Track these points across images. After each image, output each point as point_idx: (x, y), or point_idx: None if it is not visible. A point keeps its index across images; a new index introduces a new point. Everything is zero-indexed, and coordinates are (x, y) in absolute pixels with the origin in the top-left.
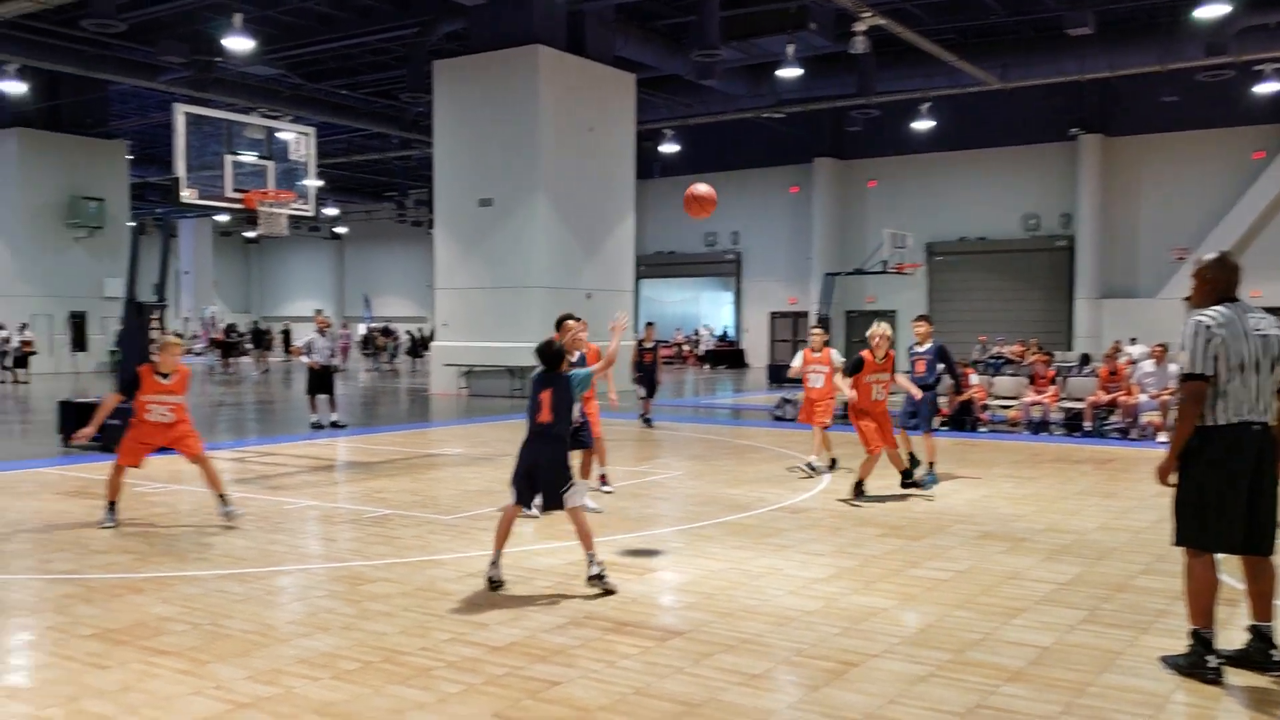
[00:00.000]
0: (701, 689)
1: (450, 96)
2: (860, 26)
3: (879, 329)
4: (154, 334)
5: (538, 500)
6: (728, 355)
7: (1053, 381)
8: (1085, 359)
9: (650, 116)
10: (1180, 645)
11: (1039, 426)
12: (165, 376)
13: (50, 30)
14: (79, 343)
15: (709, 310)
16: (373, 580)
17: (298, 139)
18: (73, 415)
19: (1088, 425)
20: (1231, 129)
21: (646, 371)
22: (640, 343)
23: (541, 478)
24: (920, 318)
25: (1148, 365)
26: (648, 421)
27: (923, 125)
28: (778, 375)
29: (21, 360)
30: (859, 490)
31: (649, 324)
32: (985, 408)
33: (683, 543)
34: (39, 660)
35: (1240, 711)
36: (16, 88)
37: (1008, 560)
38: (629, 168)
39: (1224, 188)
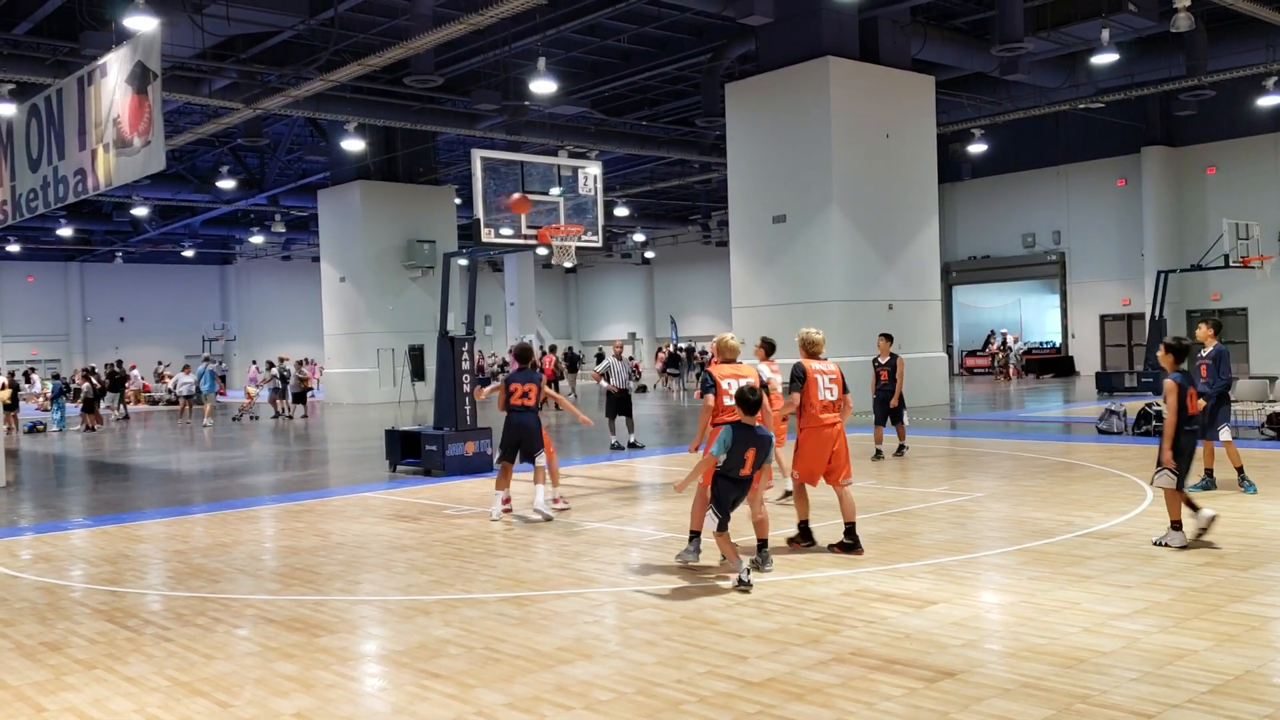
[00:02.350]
0: None
1: (742, 117)
2: (1183, 2)
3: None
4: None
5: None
6: (1053, 363)
7: None
8: None
9: (955, 117)
10: None
11: None
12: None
13: (380, 90)
14: (418, 373)
15: (1032, 316)
16: (642, 606)
17: (585, 174)
18: (397, 443)
19: None
20: None
21: (883, 393)
22: (876, 360)
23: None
24: (1205, 321)
25: None
26: (901, 449)
27: (1269, 102)
28: (1108, 383)
29: (300, 396)
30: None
31: (882, 336)
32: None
33: (970, 572)
34: (325, 679)
35: None
36: (356, 145)
37: None
38: (930, 172)
39: None
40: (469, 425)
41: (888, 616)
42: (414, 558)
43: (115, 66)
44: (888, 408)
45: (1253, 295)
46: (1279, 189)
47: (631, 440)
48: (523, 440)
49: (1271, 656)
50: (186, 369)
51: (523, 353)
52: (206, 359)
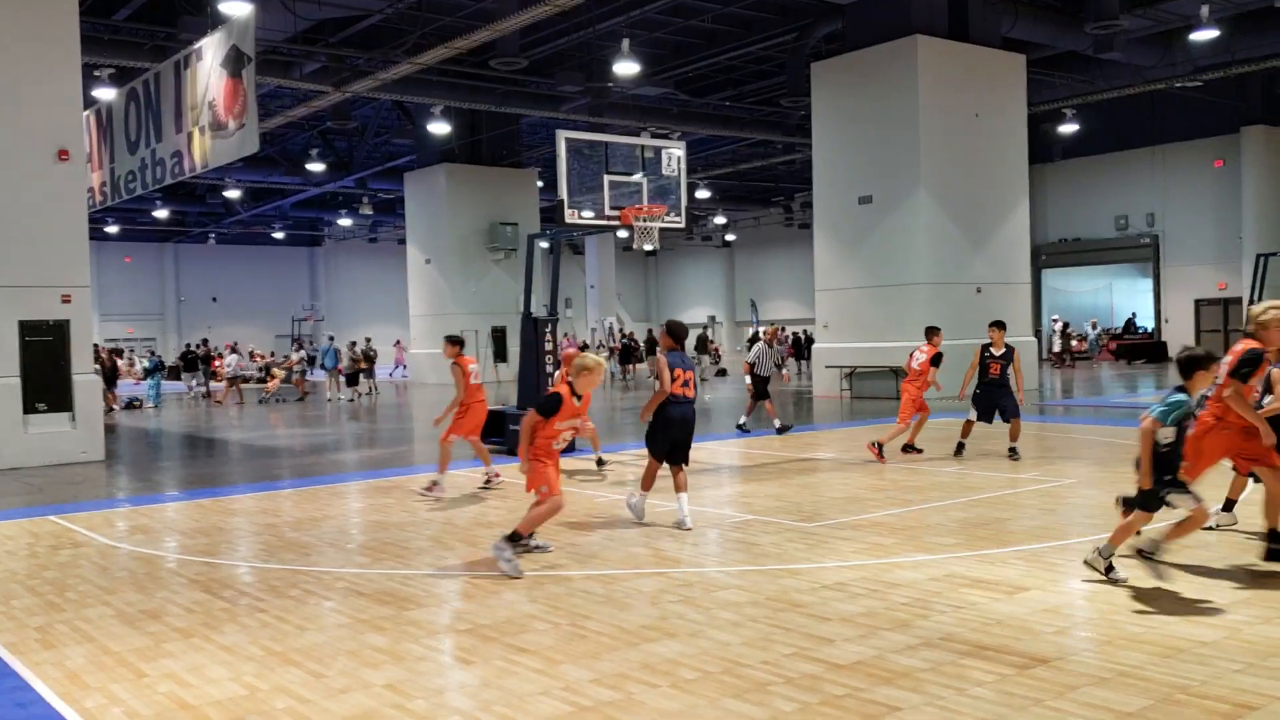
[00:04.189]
0: None
1: (828, 97)
2: None
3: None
4: (572, 349)
5: None
6: (1146, 348)
7: None
8: None
9: (1046, 97)
10: None
11: None
12: (580, 399)
13: (466, 73)
14: (500, 354)
15: (1124, 300)
16: (725, 587)
17: (669, 155)
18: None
19: None
20: None
21: (988, 389)
22: (984, 349)
23: None
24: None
25: None
26: (1012, 452)
27: None
28: None
29: (353, 378)
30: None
31: (995, 324)
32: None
33: (1063, 558)
34: (415, 651)
35: None
36: (442, 128)
37: None
38: (1020, 153)
39: None
40: None
41: (977, 602)
42: (499, 534)
43: (211, 51)
44: (995, 404)
45: None
46: None
47: (741, 423)
48: (683, 439)
49: None
50: (231, 347)
51: (676, 331)
52: (330, 337)
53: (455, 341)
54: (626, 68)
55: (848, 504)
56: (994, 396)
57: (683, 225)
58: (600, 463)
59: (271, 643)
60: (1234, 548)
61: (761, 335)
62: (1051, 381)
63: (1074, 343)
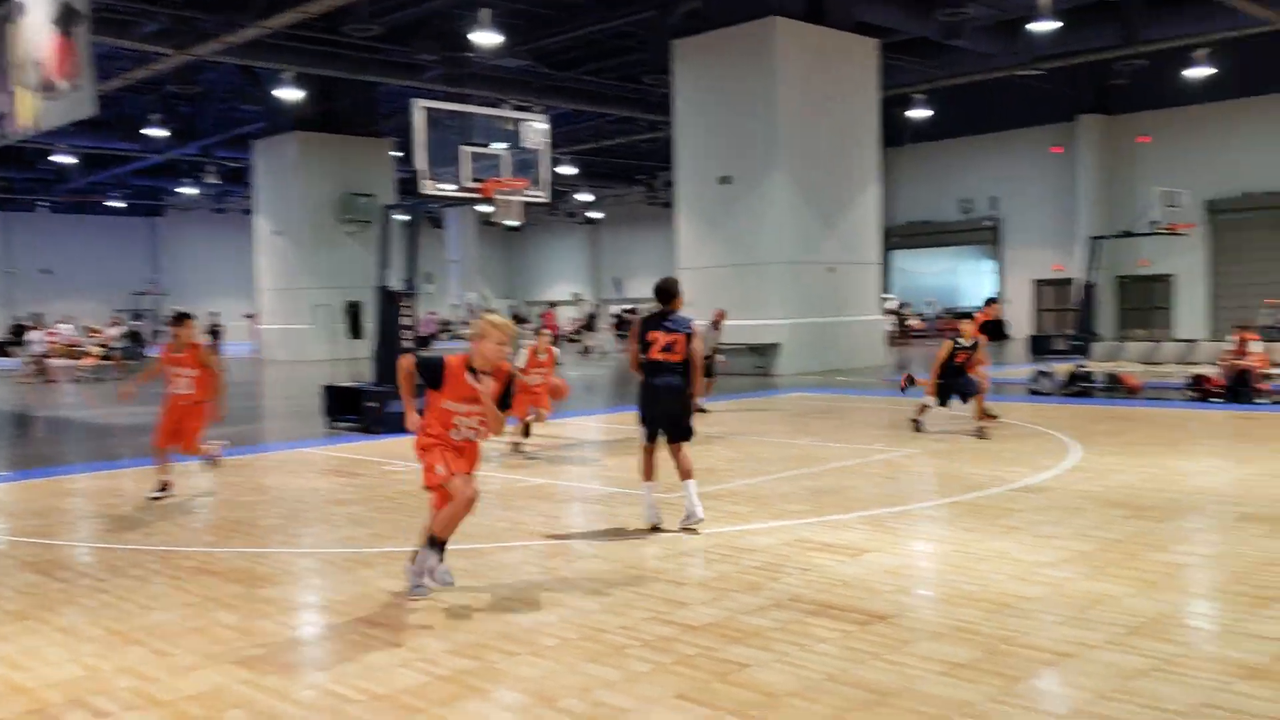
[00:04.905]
0: (897, 677)
1: (689, 75)
2: None
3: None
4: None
5: None
6: (988, 326)
7: None
8: None
9: (898, 81)
10: None
11: None
12: (478, 376)
13: (318, 38)
14: (355, 330)
15: (969, 281)
16: (586, 557)
17: (533, 128)
18: (335, 399)
19: None
20: None
21: (952, 377)
22: (958, 340)
23: None
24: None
25: None
26: (980, 432)
27: (1198, 73)
28: (1040, 346)
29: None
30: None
31: (964, 316)
32: (1266, 377)
33: (905, 524)
34: (267, 628)
35: None
36: (293, 95)
37: (1267, 545)
38: (872, 136)
39: None
40: None
41: (824, 565)
42: (354, 512)
43: (38, 5)
44: (954, 389)
45: (1179, 262)
46: (1207, 158)
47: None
48: (671, 413)
49: (1185, 601)
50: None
51: (664, 290)
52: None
53: (185, 319)
54: (486, 38)
55: (706, 475)
56: (956, 385)
57: (546, 200)
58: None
59: (114, 623)
60: (1063, 511)
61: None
62: (894, 358)
63: (911, 322)
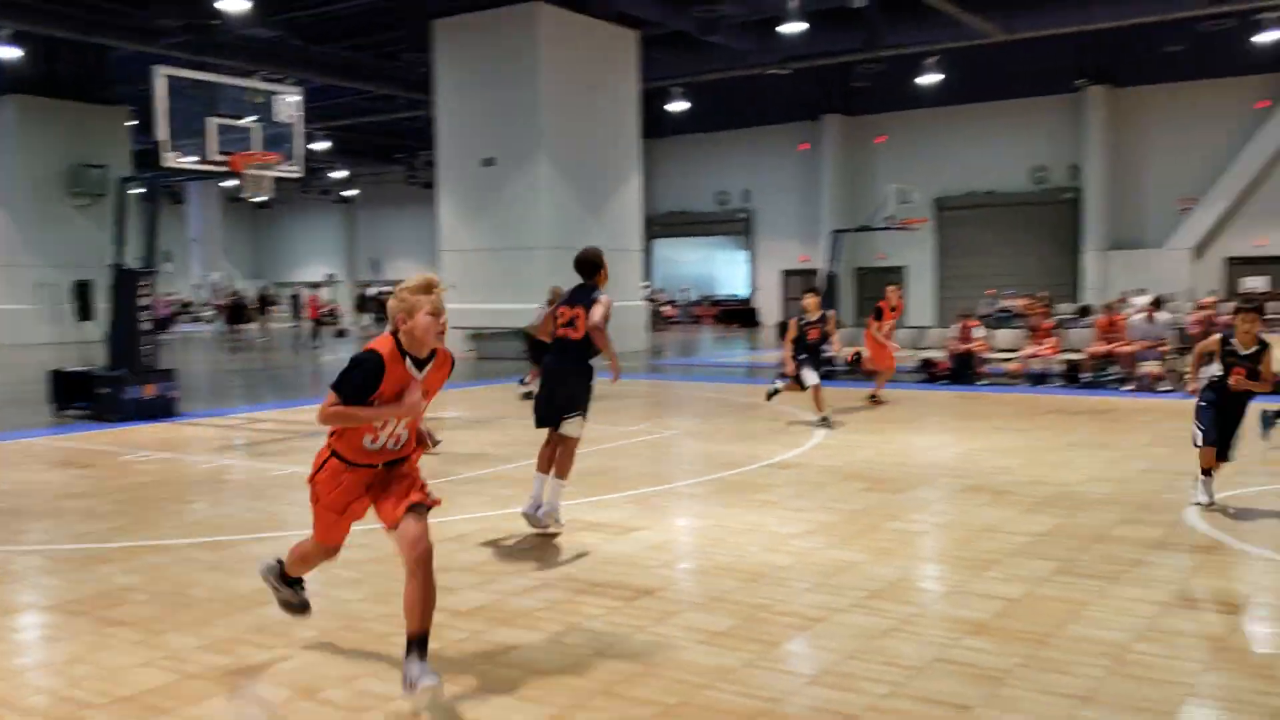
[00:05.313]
0: (660, 648)
1: (450, 55)
2: None
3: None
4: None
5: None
6: (740, 313)
7: (1051, 333)
8: (1085, 310)
9: (658, 74)
10: (1149, 593)
11: (1039, 379)
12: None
13: None
14: (84, 312)
15: (724, 270)
16: (345, 546)
17: (286, 101)
18: (64, 385)
19: (1086, 376)
20: (1235, 79)
21: (810, 357)
22: (804, 318)
23: None
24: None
25: (1137, 319)
26: (824, 421)
27: (929, 79)
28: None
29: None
30: None
31: (811, 291)
32: (985, 361)
33: (668, 501)
34: None
35: (1200, 659)
36: (11, 53)
37: (988, 513)
38: (634, 126)
39: (1229, 137)
40: (148, 367)
41: (592, 543)
42: (89, 505)
43: None
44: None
45: (912, 255)
46: (936, 159)
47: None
48: (547, 395)
49: (919, 565)
50: None
51: (584, 262)
52: None
53: None
54: (234, 4)
55: (472, 460)
56: (813, 361)
57: (300, 175)
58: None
59: None
60: (811, 486)
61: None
62: (654, 342)
63: (665, 308)
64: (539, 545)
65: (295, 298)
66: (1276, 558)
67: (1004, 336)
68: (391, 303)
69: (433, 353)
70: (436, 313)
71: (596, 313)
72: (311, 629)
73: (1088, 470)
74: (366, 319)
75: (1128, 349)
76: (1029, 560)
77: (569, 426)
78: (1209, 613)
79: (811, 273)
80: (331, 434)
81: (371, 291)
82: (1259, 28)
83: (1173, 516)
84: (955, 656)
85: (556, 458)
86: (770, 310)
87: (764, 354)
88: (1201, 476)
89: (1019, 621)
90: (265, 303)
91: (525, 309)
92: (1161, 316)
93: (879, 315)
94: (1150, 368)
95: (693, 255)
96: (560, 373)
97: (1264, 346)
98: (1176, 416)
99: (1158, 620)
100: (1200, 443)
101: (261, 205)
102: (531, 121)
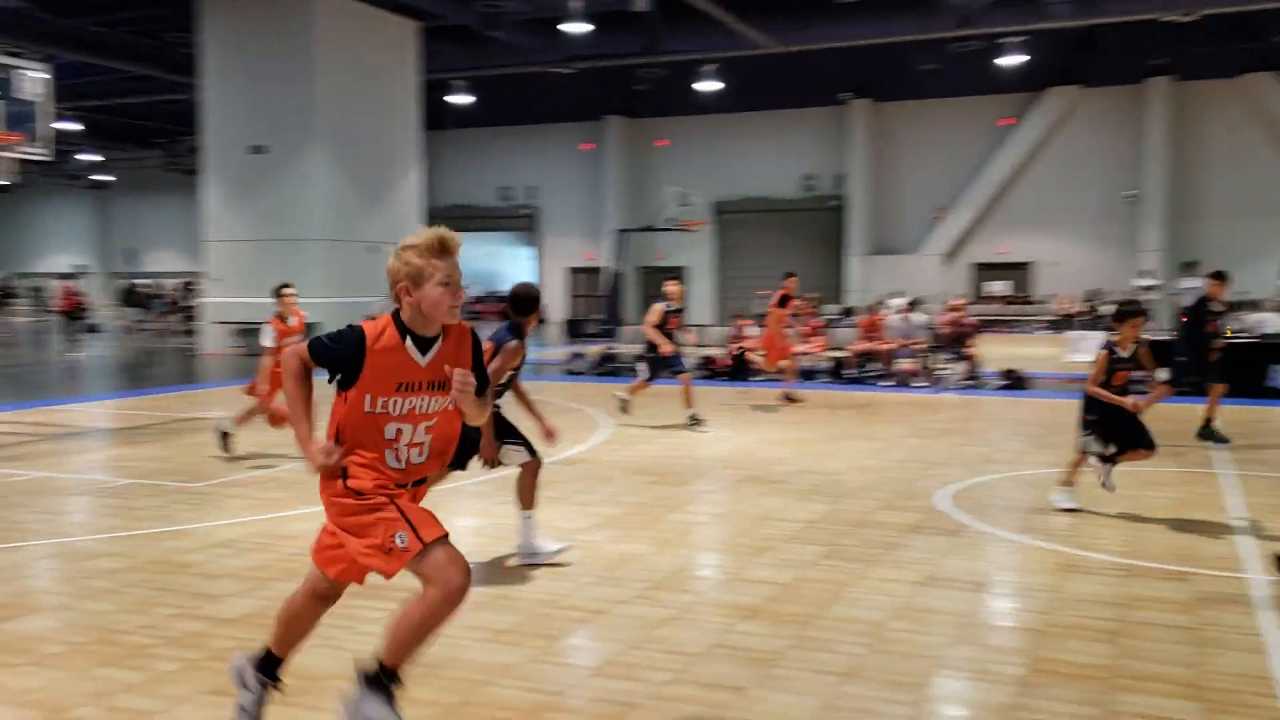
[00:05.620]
0: (444, 648)
1: (220, 36)
2: None
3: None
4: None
5: None
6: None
7: (819, 333)
8: (848, 311)
9: (440, 66)
10: (904, 574)
11: (807, 375)
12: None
13: None
14: None
15: (509, 266)
16: (98, 555)
17: (29, 77)
18: None
19: (851, 373)
20: (982, 97)
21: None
22: (666, 305)
23: None
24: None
25: (895, 319)
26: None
27: (707, 86)
28: (574, 330)
29: None
30: None
31: (672, 278)
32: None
33: (453, 500)
34: None
35: (948, 634)
36: None
37: (763, 502)
38: (415, 117)
39: (977, 151)
40: None
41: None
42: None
43: None
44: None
45: (691, 256)
46: (715, 164)
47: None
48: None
49: (698, 555)
50: None
51: (518, 299)
52: None
53: None
54: None
55: (239, 461)
56: (667, 362)
57: (49, 158)
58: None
59: None
60: (597, 480)
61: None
62: None
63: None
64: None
65: (38, 290)
66: (1014, 539)
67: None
68: (392, 264)
69: (440, 331)
70: (451, 283)
71: (496, 365)
72: (59, 644)
73: (851, 460)
74: (134, 312)
75: (886, 347)
76: (799, 546)
77: (506, 455)
78: (956, 590)
79: (597, 271)
80: (332, 473)
81: (144, 284)
82: (1002, 51)
83: (926, 502)
84: (731, 641)
85: (516, 489)
86: (556, 307)
87: (550, 350)
88: (1102, 465)
89: (789, 605)
90: (4, 295)
91: (299, 303)
92: (916, 317)
93: (783, 303)
94: (906, 364)
95: (476, 251)
96: None
97: (1138, 345)
98: (929, 410)
99: (912, 599)
100: (1147, 445)
101: (2, 189)
102: (306, 108)
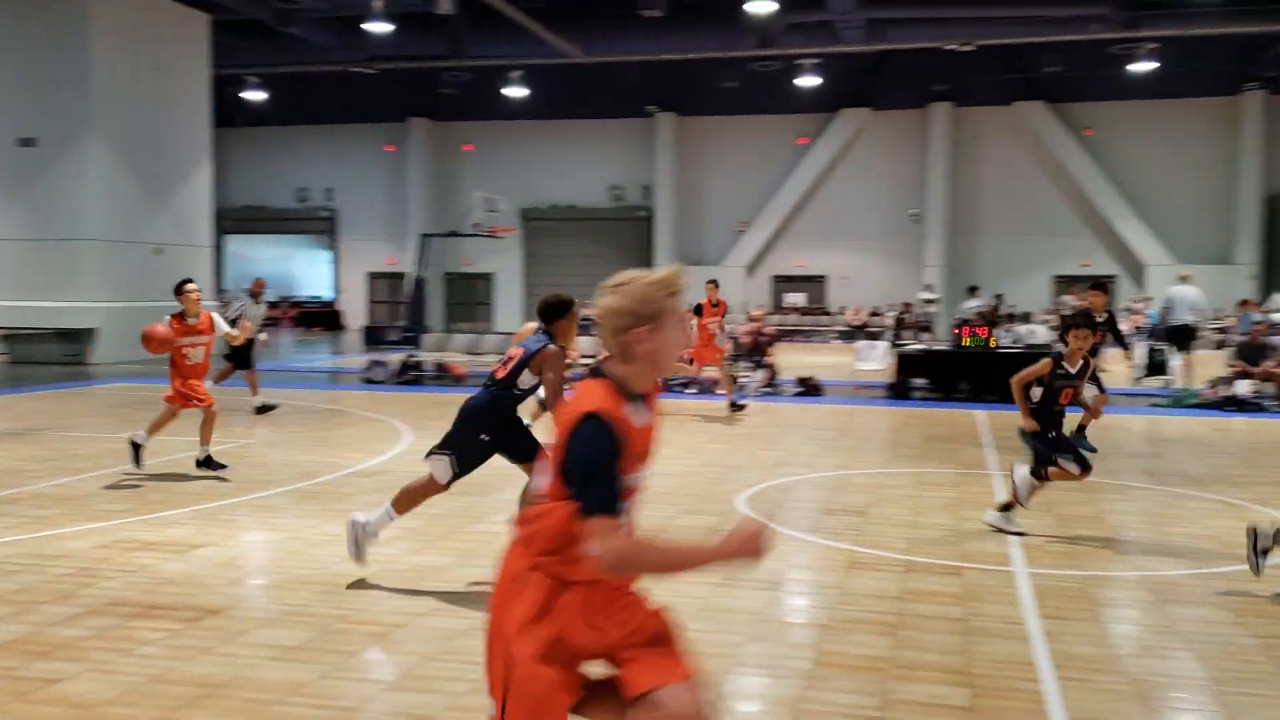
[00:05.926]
0: (228, 668)
1: None
2: None
3: None
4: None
5: None
6: (323, 316)
7: None
8: None
9: (232, 61)
10: (702, 575)
11: None
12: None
13: None
14: None
15: (305, 270)
16: None
17: None
18: None
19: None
20: (782, 115)
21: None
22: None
23: None
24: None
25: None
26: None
27: (514, 92)
28: (374, 337)
29: None
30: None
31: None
32: (570, 367)
33: (240, 515)
34: None
35: (743, 632)
36: None
37: None
38: (205, 113)
39: (777, 167)
40: None
41: (148, 564)
42: None
43: None
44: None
45: (499, 262)
46: (523, 170)
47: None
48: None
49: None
50: None
51: (548, 307)
52: None
53: None
54: None
55: (5, 477)
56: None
57: None
58: None
59: None
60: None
61: (249, 287)
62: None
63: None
64: (86, 569)
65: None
66: (806, 538)
67: (584, 343)
68: (621, 303)
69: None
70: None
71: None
72: None
73: (655, 465)
74: None
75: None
76: None
77: (431, 461)
78: (752, 590)
79: (399, 276)
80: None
81: None
82: (800, 72)
83: (726, 506)
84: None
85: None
86: (355, 313)
87: (348, 358)
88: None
89: None
90: None
91: (71, 307)
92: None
93: (699, 312)
94: (709, 373)
95: (270, 253)
96: (464, 411)
97: (1087, 361)
98: (730, 416)
99: (709, 600)
100: (1079, 470)
101: None
102: (81, 100)
